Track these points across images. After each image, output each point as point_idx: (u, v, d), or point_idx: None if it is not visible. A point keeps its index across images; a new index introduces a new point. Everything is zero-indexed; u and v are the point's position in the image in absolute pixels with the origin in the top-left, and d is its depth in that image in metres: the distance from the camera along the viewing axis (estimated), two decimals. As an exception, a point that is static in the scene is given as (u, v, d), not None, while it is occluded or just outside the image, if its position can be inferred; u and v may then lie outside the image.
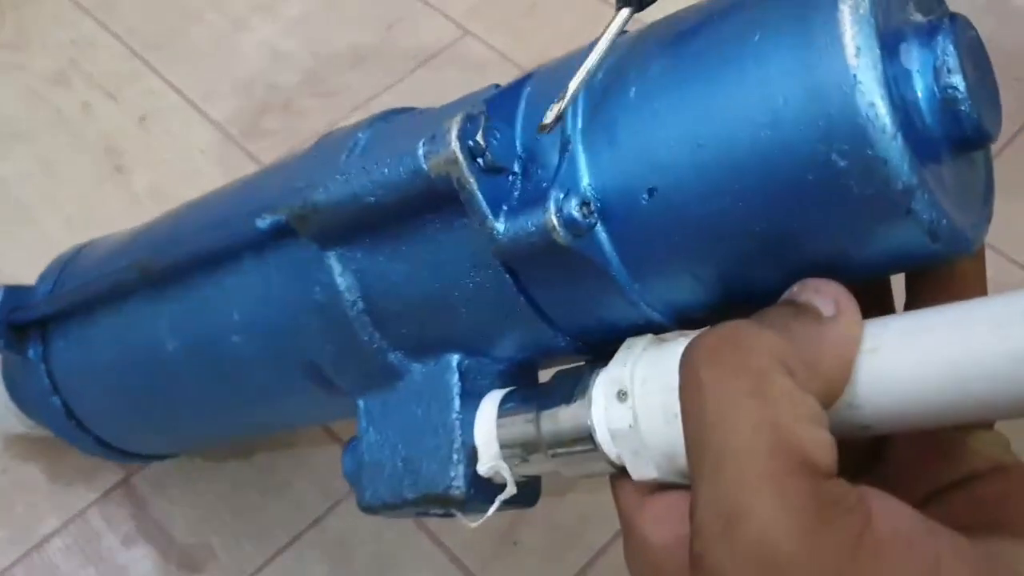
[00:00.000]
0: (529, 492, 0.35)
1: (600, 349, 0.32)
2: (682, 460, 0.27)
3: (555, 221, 0.28)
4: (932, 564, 0.24)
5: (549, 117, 0.28)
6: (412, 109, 0.40)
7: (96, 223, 0.69)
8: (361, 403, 0.37)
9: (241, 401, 0.44)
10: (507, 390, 0.34)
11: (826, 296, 0.26)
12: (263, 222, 0.36)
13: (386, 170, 0.31)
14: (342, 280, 0.35)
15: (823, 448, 0.24)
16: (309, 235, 0.35)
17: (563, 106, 0.28)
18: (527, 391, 0.34)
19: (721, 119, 0.27)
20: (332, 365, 0.37)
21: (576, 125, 0.30)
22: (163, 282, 0.42)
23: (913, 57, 0.26)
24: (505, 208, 0.30)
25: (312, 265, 0.36)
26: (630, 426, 0.29)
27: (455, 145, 0.29)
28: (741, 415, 0.24)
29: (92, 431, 0.50)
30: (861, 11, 0.25)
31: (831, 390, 0.26)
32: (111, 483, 0.59)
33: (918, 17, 0.28)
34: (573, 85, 0.28)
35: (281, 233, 0.36)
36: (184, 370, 0.43)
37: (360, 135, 0.37)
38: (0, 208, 0.71)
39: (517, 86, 0.32)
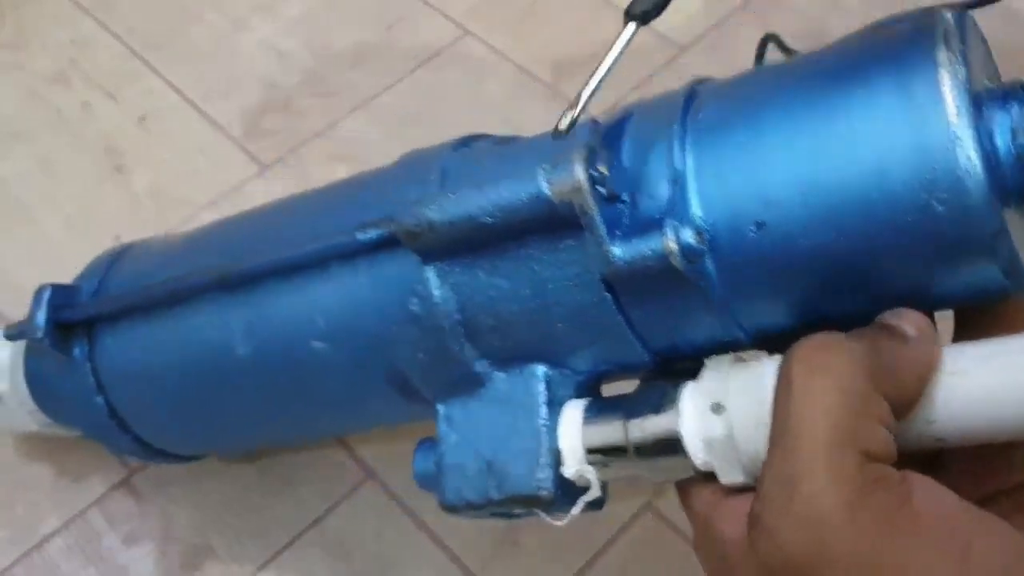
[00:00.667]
0: (601, 496, 0.37)
1: (668, 366, 0.36)
2: None
3: (673, 247, 0.32)
4: (964, 543, 0.27)
5: (563, 123, 0.31)
6: (486, 136, 0.43)
7: (96, 223, 0.70)
8: (441, 408, 0.39)
9: (310, 405, 0.45)
10: (586, 400, 0.37)
11: (910, 322, 0.30)
12: (365, 235, 0.38)
13: (505, 193, 0.34)
14: (439, 293, 0.37)
15: (879, 443, 0.29)
16: (415, 250, 0.37)
17: (575, 114, 0.31)
18: (607, 401, 0.36)
19: (831, 165, 0.30)
20: (418, 372, 0.39)
21: (686, 161, 0.33)
22: (238, 288, 0.43)
23: (995, 119, 0.30)
24: (618, 233, 0.33)
25: (411, 278, 0.37)
26: (726, 436, 0.32)
27: (581, 174, 0.32)
28: (817, 404, 0.28)
29: (132, 431, 0.50)
30: (959, 77, 0.29)
31: (906, 401, 0.30)
32: (112, 483, 0.59)
33: (987, 83, 0.32)
34: (585, 94, 0.31)
35: (379, 246, 0.38)
36: (255, 374, 0.44)
37: (447, 157, 0.40)
38: (0, 208, 0.71)
39: (621, 121, 0.35)
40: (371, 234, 0.38)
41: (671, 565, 0.54)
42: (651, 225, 0.32)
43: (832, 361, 0.29)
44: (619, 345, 0.36)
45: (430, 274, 0.37)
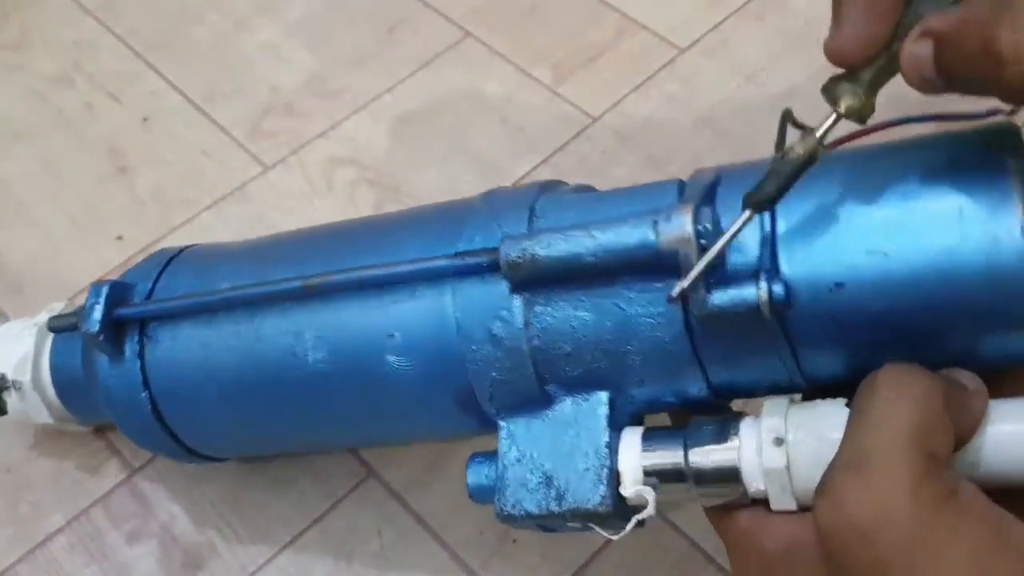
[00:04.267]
0: (643, 520, 0.40)
1: (719, 404, 0.41)
2: None
3: (764, 298, 0.35)
4: (1002, 528, 0.32)
5: (675, 292, 0.36)
6: (563, 183, 0.47)
7: (99, 224, 0.70)
8: (504, 424, 0.42)
9: (373, 415, 0.46)
10: (643, 428, 0.40)
11: (968, 378, 0.35)
12: (464, 261, 0.41)
13: (614, 236, 0.38)
14: (523, 320, 0.41)
15: (943, 452, 0.33)
16: (511, 279, 0.40)
17: (684, 285, 0.36)
18: (664, 430, 0.40)
19: (908, 240, 0.35)
20: (486, 390, 0.42)
21: (776, 224, 0.37)
22: (315, 298, 0.45)
23: None
24: (712, 281, 0.36)
25: (497, 304, 0.41)
26: (785, 467, 0.36)
27: (689, 227, 0.36)
28: (900, 406, 0.33)
29: (170, 428, 0.50)
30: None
31: (958, 441, 0.34)
32: (115, 482, 0.59)
33: None
34: (698, 267, 0.35)
35: (471, 271, 0.41)
36: (320, 382, 0.45)
37: (534, 197, 0.44)
38: (2, 208, 0.72)
39: (712, 184, 0.39)
40: (471, 261, 0.41)
41: (670, 564, 0.54)
42: (744, 277, 0.36)
43: (916, 381, 0.34)
44: (684, 379, 0.40)
45: (516, 302, 0.41)
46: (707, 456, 0.38)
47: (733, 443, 0.38)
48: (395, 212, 0.51)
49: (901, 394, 0.33)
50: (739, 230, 0.35)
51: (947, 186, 0.35)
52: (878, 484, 0.32)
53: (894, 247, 0.35)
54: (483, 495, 0.42)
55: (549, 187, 0.46)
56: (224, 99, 0.76)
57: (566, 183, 0.47)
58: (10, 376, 0.55)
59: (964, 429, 0.34)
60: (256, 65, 0.78)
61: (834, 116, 0.34)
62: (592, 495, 0.39)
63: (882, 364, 0.36)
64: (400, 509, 0.57)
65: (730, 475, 0.38)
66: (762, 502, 0.38)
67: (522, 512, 0.41)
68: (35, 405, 0.56)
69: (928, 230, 0.35)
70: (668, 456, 0.39)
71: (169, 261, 0.52)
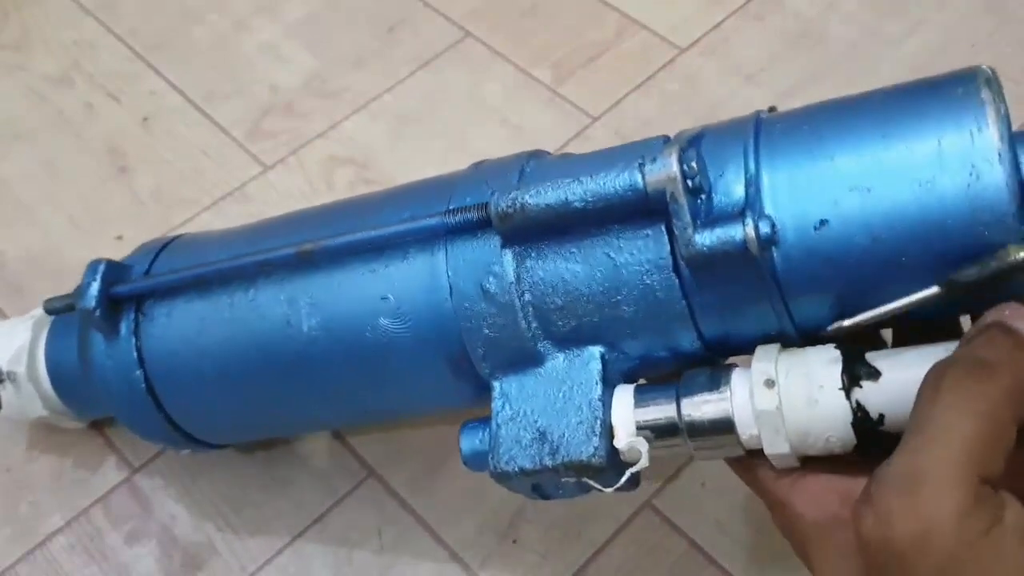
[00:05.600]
0: (636, 476, 0.41)
1: (712, 360, 0.41)
2: (812, 440, 0.37)
3: (752, 236, 0.36)
4: None
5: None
6: (548, 152, 0.47)
7: (99, 224, 0.70)
8: (497, 384, 0.42)
9: (368, 384, 0.46)
10: (636, 383, 0.41)
11: None
12: (454, 219, 0.42)
13: (602, 182, 0.38)
14: (515, 274, 0.41)
15: (997, 469, 0.32)
16: (502, 232, 0.40)
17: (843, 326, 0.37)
18: (656, 384, 0.40)
19: (889, 174, 0.36)
20: (480, 348, 0.42)
21: (760, 166, 0.38)
22: (309, 266, 0.45)
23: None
24: (699, 223, 0.37)
25: (489, 259, 0.41)
26: (776, 407, 0.37)
27: (675, 166, 0.36)
28: (963, 423, 0.32)
29: (165, 410, 0.51)
30: (1002, 111, 0.35)
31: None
32: (114, 482, 0.59)
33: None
34: (864, 317, 0.37)
35: (461, 231, 0.42)
36: (315, 350, 0.46)
37: (524, 163, 0.44)
38: (2, 208, 0.72)
39: (695, 136, 0.39)
40: (461, 217, 0.41)
41: (670, 564, 0.54)
42: (731, 217, 0.36)
43: (981, 388, 0.33)
44: (676, 330, 0.40)
45: (508, 256, 0.41)
46: (699, 407, 0.38)
47: (725, 392, 0.38)
48: (386, 189, 0.51)
49: (966, 409, 0.32)
50: (919, 301, 0.36)
51: (925, 120, 0.36)
52: (925, 508, 0.31)
53: (876, 182, 0.36)
54: (477, 461, 0.42)
55: (538, 154, 0.46)
56: (224, 99, 0.76)
57: (552, 153, 0.48)
58: (4, 368, 0.55)
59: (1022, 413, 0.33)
60: (256, 65, 0.78)
61: None
62: (586, 447, 0.39)
63: (871, 307, 0.36)
64: (400, 509, 0.57)
65: (723, 425, 0.38)
66: (761, 454, 0.38)
67: (516, 468, 0.40)
68: (29, 397, 0.56)
69: (908, 163, 0.35)
70: (661, 410, 0.39)
71: (164, 247, 0.52)
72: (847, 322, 0.37)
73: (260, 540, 0.57)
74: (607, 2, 0.77)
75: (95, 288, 0.49)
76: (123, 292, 0.49)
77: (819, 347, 0.37)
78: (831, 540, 0.36)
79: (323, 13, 0.80)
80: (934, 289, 0.35)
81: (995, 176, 0.34)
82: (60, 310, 0.52)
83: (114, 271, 0.50)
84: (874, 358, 0.37)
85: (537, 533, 0.55)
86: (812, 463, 0.38)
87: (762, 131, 0.39)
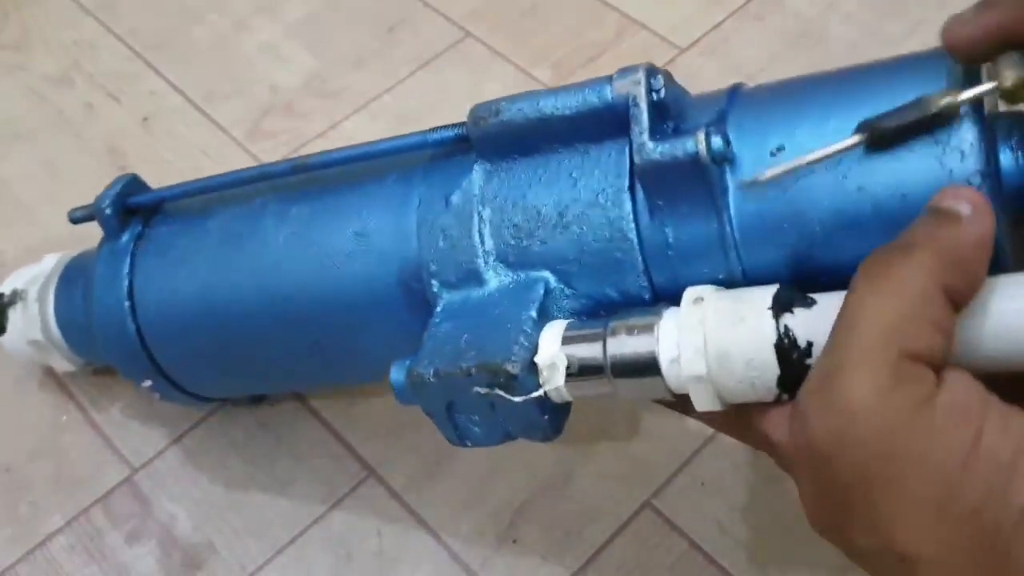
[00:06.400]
0: (556, 418, 0.40)
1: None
2: (734, 364, 0.34)
3: (703, 143, 0.36)
4: (975, 432, 0.29)
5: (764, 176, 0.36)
6: None
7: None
8: (441, 302, 0.42)
9: (329, 308, 0.47)
10: (574, 319, 0.40)
11: (963, 198, 0.31)
12: (436, 135, 0.44)
13: (573, 91, 0.39)
14: (480, 186, 0.42)
15: (925, 344, 0.30)
16: (476, 136, 0.42)
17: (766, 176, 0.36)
18: (589, 320, 0.39)
19: (851, 112, 0.35)
20: (434, 263, 0.42)
21: (730, 107, 0.38)
22: (302, 185, 0.48)
23: (1001, 135, 0.35)
24: (658, 137, 0.37)
25: (459, 173, 0.42)
26: (699, 321, 0.35)
27: (642, 74, 0.38)
28: (870, 307, 0.30)
29: (142, 333, 0.52)
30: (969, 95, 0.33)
31: (973, 283, 0.31)
32: (114, 482, 0.59)
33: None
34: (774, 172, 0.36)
35: (444, 146, 0.44)
36: (288, 262, 0.47)
37: None
38: (2, 208, 0.72)
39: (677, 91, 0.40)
40: (442, 134, 0.43)
41: (670, 564, 0.54)
42: (689, 133, 0.36)
43: (893, 269, 0.31)
44: (624, 266, 0.39)
45: (477, 170, 0.42)
46: (625, 343, 0.36)
47: (653, 330, 0.36)
48: None
49: (877, 288, 0.31)
50: (842, 150, 0.34)
51: (895, 81, 0.36)
52: (838, 402, 0.29)
53: (834, 117, 0.36)
54: (404, 384, 0.41)
55: None
56: (224, 99, 0.76)
57: None
58: (20, 286, 0.58)
59: (971, 270, 0.31)
60: (256, 65, 0.78)
61: (990, 85, 0.32)
62: (503, 352, 0.38)
63: (823, 257, 0.35)
64: (400, 509, 0.57)
65: (646, 362, 0.36)
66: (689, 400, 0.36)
67: (430, 370, 0.39)
68: (32, 319, 0.58)
69: (868, 103, 0.35)
70: (588, 347, 0.37)
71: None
72: (769, 172, 0.36)
73: (260, 540, 0.57)
74: (607, 2, 0.77)
75: (112, 192, 0.54)
76: (137, 202, 0.53)
77: (764, 287, 0.36)
78: (800, 464, 0.33)
79: (323, 13, 0.80)
80: (855, 138, 0.34)
81: (966, 130, 0.33)
82: (82, 218, 0.55)
83: (135, 185, 0.55)
84: (817, 295, 0.35)
85: (537, 533, 0.55)
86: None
87: (742, 89, 0.41)
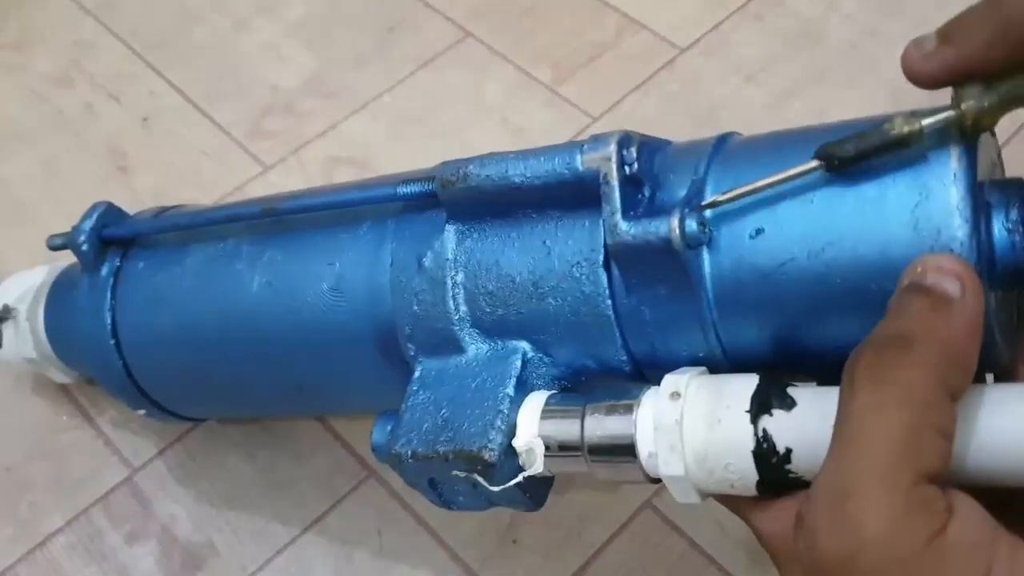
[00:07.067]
0: (538, 493, 0.39)
1: (642, 378, 0.38)
2: (711, 465, 0.33)
3: (676, 229, 0.34)
4: (984, 569, 0.28)
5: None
6: None
7: (99, 223, 0.70)
8: (418, 368, 0.41)
9: (304, 357, 0.46)
10: (554, 391, 0.39)
11: (950, 274, 0.30)
12: (406, 188, 0.42)
13: (542, 159, 0.38)
14: (453, 250, 0.41)
15: (936, 459, 0.29)
16: (445, 200, 0.40)
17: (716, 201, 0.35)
18: (574, 394, 0.38)
19: (835, 192, 0.34)
20: (408, 327, 0.41)
21: (708, 173, 0.36)
22: (274, 227, 0.47)
23: (993, 207, 0.33)
24: (632, 214, 0.36)
25: (431, 233, 0.41)
26: (676, 421, 0.33)
27: (613, 147, 0.36)
28: (881, 418, 0.29)
29: (125, 359, 0.52)
30: (965, 166, 0.32)
31: (969, 373, 0.30)
32: (114, 482, 0.59)
33: (991, 176, 0.35)
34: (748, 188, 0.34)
35: (414, 201, 0.42)
36: (262, 309, 0.46)
37: None
38: (2, 209, 0.72)
39: (659, 143, 0.39)
40: (411, 188, 0.41)
41: (670, 564, 0.54)
42: (663, 212, 0.35)
43: (894, 372, 0.29)
44: (601, 337, 0.38)
45: (450, 232, 0.41)
46: (602, 423, 0.36)
47: (631, 412, 0.35)
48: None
49: (883, 403, 0.29)
50: (796, 175, 0.33)
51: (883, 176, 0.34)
52: (850, 523, 0.28)
53: (818, 195, 0.34)
54: (384, 452, 0.40)
55: None
56: (224, 99, 0.76)
57: None
58: (11, 303, 0.58)
59: (966, 353, 0.30)
60: (256, 65, 0.78)
61: (951, 113, 0.32)
62: (480, 438, 0.37)
63: (808, 339, 0.34)
64: (400, 509, 0.57)
65: (622, 445, 0.35)
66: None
67: (409, 451, 0.39)
68: (24, 336, 0.57)
69: (856, 183, 0.33)
70: (567, 424, 0.36)
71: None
72: (721, 196, 0.35)
73: (260, 540, 0.57)
74: (607, 2, 0.77)
75: (87, 225, 0.52)
76: (113, 235, 0.52)
77: (742, 375, 0.34)
78: (791, 555, 0.32)
79: (323, 13, 0.80)
80: (813, 163, 0.33)
81: (951, 231, 0.32)
82: (59, 246, 0.54)
83: (112, 215, 0.53)
84: (797, 392, 0.33)
85: (537, 533, 0.55)
86: None
87: (723, 145, 0.38)
